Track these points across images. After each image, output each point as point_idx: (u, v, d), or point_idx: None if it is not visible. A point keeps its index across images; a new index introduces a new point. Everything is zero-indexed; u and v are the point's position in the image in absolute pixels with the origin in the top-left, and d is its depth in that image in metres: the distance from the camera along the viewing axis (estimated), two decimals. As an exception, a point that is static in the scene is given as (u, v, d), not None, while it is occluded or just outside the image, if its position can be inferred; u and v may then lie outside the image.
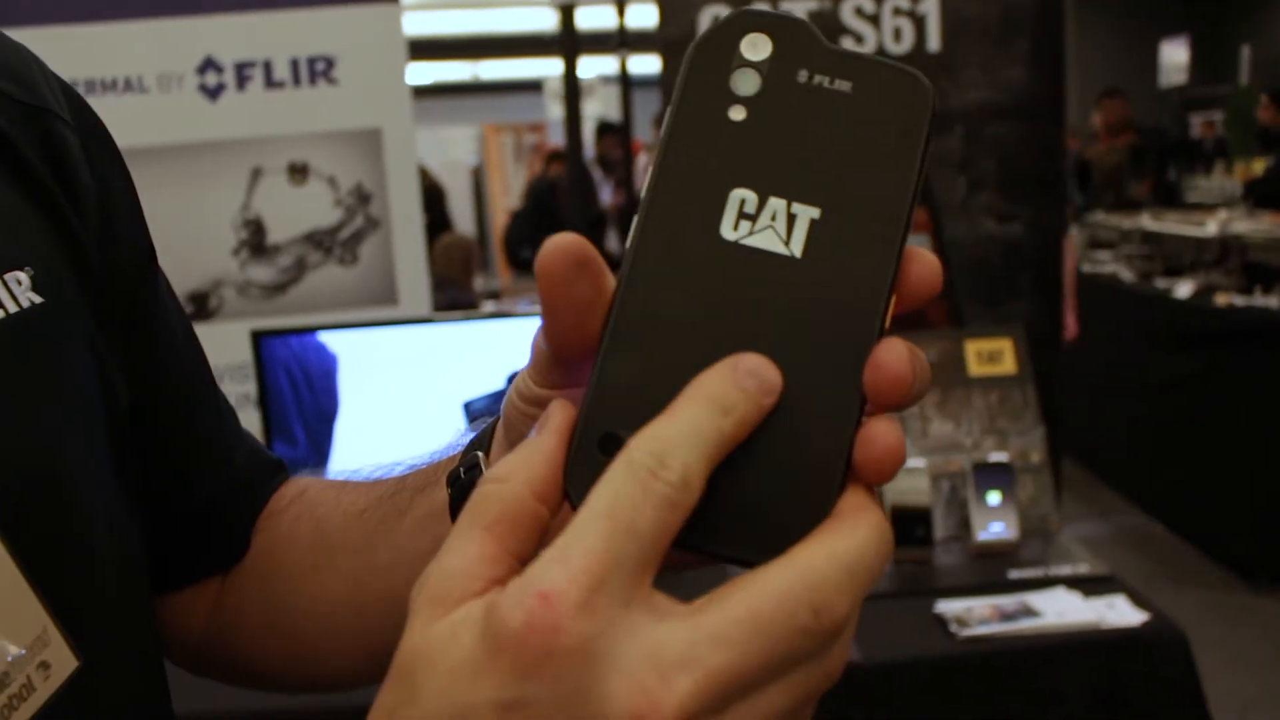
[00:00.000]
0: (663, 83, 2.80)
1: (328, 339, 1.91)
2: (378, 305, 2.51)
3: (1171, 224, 5.26)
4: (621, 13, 6.57)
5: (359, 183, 2.49)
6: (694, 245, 0.36)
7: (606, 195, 7.50)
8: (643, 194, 0.37)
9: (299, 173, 2.47)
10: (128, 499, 0.55)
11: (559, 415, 0.35)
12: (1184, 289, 4.52)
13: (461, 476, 0.51)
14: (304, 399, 1.87)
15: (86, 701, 0.47)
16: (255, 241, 2.47)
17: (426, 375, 1.87)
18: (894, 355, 0.35)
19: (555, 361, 0.41)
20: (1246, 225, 4.80)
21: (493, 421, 0.51)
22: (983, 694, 1.71)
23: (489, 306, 5.30)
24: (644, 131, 8.45)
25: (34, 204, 0.52)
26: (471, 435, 0.53)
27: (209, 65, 2.41)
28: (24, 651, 0.44)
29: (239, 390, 2.36)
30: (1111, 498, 4.86)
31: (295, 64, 2.43)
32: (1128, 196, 6.33)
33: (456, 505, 0.52)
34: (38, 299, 0.49)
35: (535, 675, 0.30)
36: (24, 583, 0.45)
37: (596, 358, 0.36)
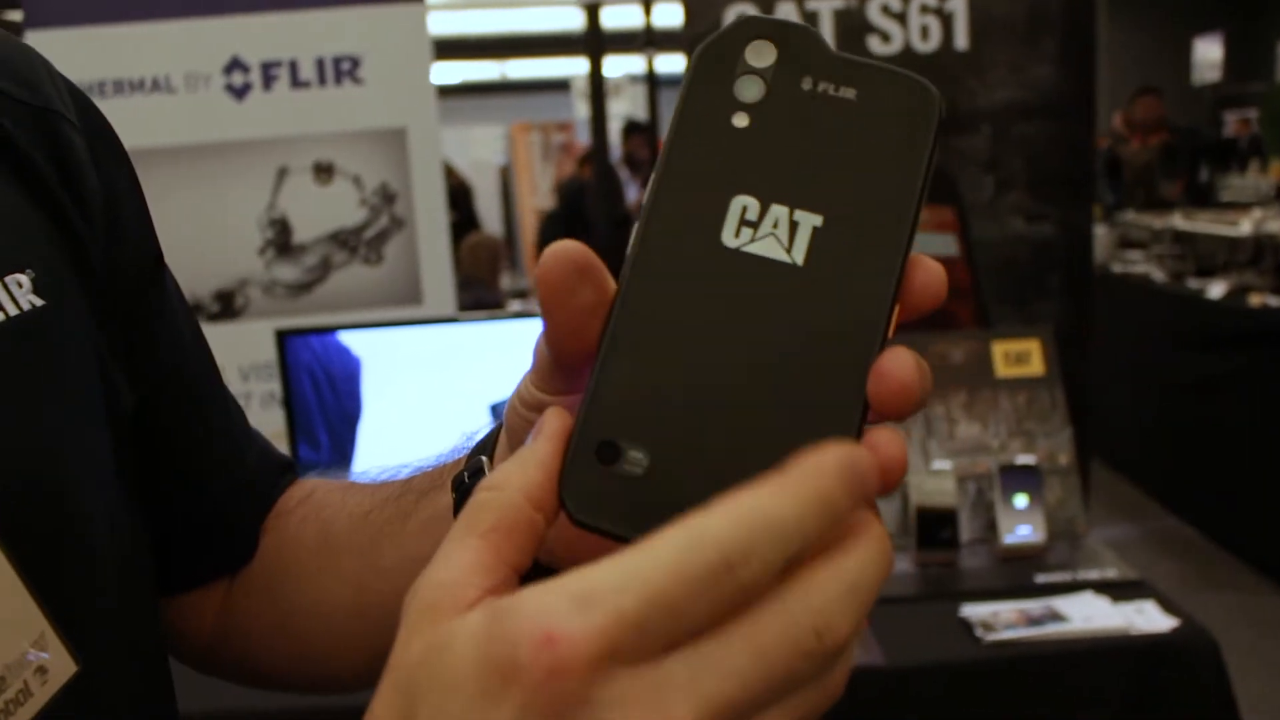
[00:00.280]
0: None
1: (352, 339, 1.91)
2: (403, 305, 2.53)
3: (1204, 223, 5.19)
4: (648, 11, 6.58)
5: (384, 182, 2.50)
6: (694, 252, 0.36)
7: (633, 194, 7.50)
8: (644, 200, 0.37)
9: (324, 172, 2.49)
10: (130, 501, 0.55)
11: (554, 422, 0.35)
12: (1217, 289, 4.46)
13: (465, 481, 0.51)
14: (327, 402, 1.88)
15: (86, 704, 0.47)
16: (281, 241, 2.48)
17: (451, 375, 1.87)
18: (899, 364, 0.34)
19: (557, 367, 0.40)
20: (1281, 225, 4.74)
21: (497, 426, 0.51)
22: (1008, 700, 1.69)
23: (515, 306, 5.31)
24: (671, 131, 8.44)
25: (37, 205, 0.52)
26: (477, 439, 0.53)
27: (235, 65, 2.43)
28: (22, 656, 0.44)
29: (264, 389, 2.38)
30: (1141, 500, 4.81)
31: (321, 64, 2.45)
32: (1159, 196, 6.25)
33: (460, 509, 0.51)
34: (39, 301, 0.49)
35: (536, 706, 0.29)
36: (22, 586, 0.44)
37: (594, 365, 0.35)
